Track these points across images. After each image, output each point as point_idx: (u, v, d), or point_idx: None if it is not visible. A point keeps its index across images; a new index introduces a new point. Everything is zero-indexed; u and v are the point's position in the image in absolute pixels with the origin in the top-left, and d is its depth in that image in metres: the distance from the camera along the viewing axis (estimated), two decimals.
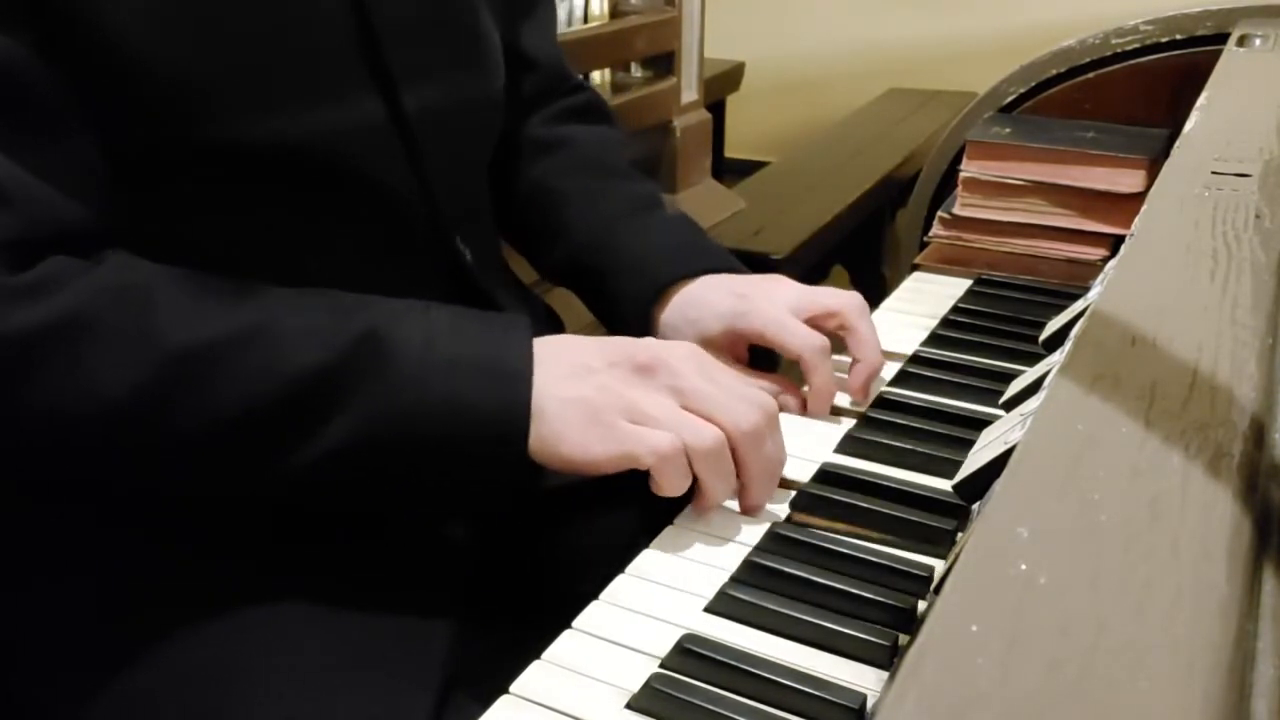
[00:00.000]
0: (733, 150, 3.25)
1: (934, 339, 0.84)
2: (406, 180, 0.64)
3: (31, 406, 0.52)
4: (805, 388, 0.73)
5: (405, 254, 0.66)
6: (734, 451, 0.57)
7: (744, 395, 0.59)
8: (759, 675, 0.47)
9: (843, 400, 0.73)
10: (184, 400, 0.52)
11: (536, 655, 0.49)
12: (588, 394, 0.56)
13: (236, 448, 0.54)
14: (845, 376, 0.74)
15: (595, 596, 0.53)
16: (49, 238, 0.53)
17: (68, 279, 0.52)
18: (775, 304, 0.72)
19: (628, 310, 0.76)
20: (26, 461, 0.55)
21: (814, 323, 0.72)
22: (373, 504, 0.58)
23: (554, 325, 0.84)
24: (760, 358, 0.75)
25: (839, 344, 0.74)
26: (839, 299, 0.73)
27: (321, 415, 0.54)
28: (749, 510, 0.60)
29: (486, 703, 0.47)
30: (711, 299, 0.73)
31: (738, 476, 0.58)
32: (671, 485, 0.56)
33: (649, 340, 0.61)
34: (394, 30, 0.62)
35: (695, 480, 0.57)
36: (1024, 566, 0.35)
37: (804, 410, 0.72)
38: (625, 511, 0.71)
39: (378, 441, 0.54)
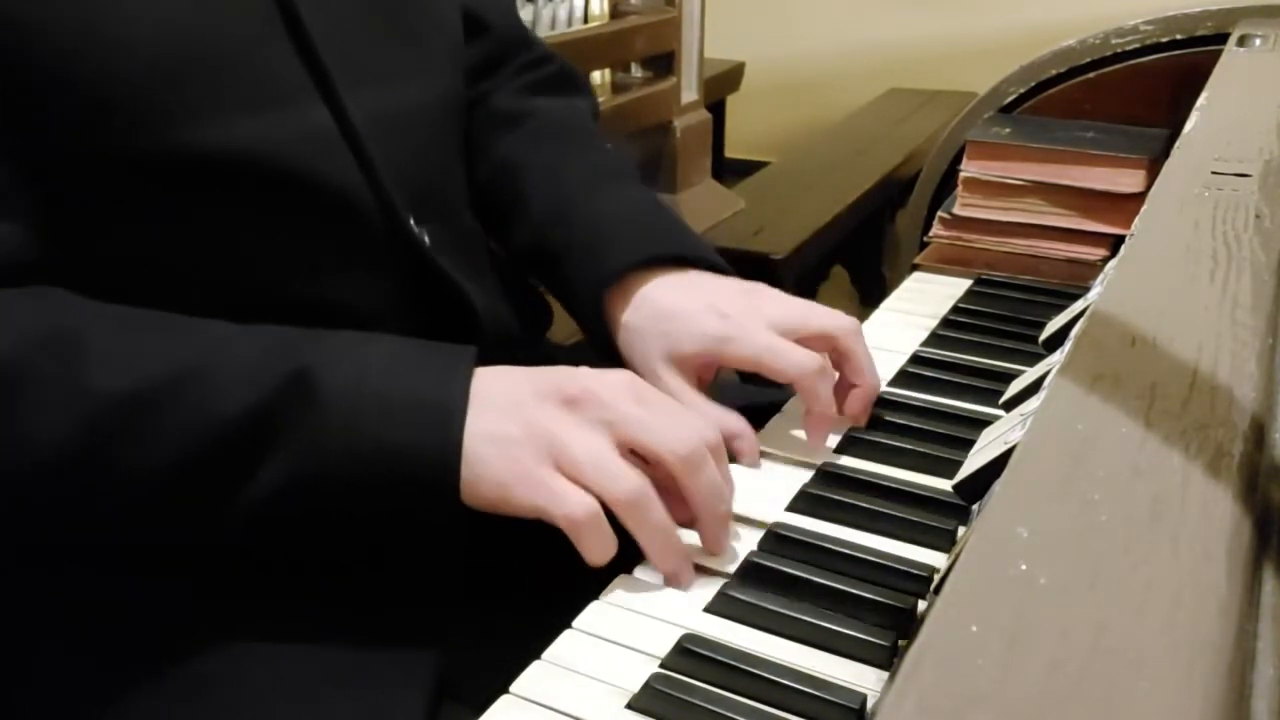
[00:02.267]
0: (733, 150, 3.25)
1: (934, 339, 0.84)
2: (356, 181, 0.63)
3: None
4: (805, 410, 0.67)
5: (358, 244, 0.64)
6: (675, 480, 0.55)
7: (682, 420, 0.55)
8: (759, 675, 0.47)
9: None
10: (117, 450, 0.51)
11: (536, 655, 0.49)
12: (511, 430, 0.53)
13: (172, 496, 0.53)
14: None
15: (595, 596, 0.54)
16: None
17: None
18: (762, 326, 0.66)
19: (581, 301, 0.72)
20: None
21: (804, 344, 0.66)
22: (313, 546, 0.57)
23: (544, 315, 0.83)
24: (749, 377, 0.70)
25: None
26: (833, 321, 0.68)
27: (253, 459, 0.52)
28: (709, 550, 0.56)
29: (484, 705, 0.47)
30: (690, 313, 0.67)
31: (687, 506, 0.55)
32: (593, 552, 0.52)
33: (582, 370, 0.57)
34: (329, 37, 0.61)
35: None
36: (1024, 566, 0.35)
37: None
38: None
39: (310, 484, 0.53)
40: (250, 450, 0.52)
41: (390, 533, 0.55)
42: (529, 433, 0.53)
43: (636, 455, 0.55)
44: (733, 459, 0.64)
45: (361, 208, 0.63)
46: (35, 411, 0.51)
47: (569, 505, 0.52)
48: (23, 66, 0.52)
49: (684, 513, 0.55)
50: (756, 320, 0.67)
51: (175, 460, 0.52)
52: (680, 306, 0.68)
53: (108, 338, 0.53)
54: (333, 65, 0.61)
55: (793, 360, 0.65)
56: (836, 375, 0.69)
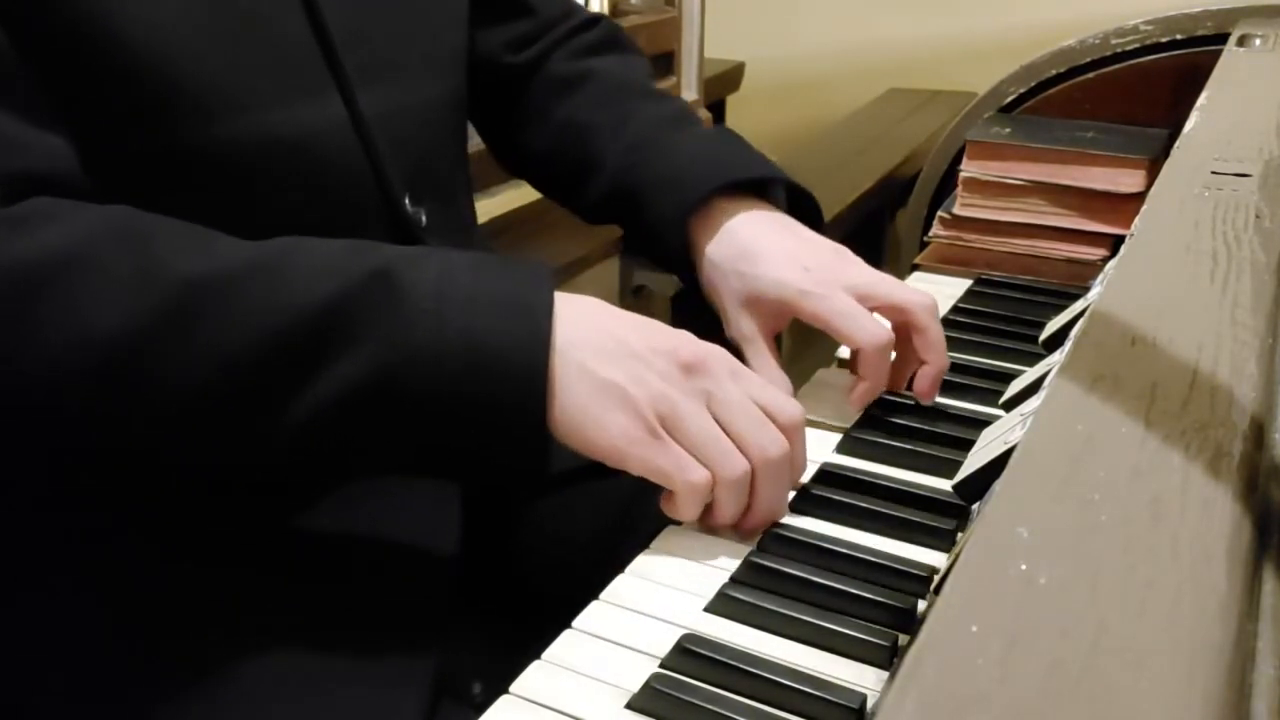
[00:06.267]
0: None
1: None
2: (363, 172, 0.63)
3: (22, 348, 0.49)
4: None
5: (352, 219, 0.63)
6: (752, 475, 0.56)
7: (774, 407, 0.56)
8: (759, 675, 0.47)
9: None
10: (183, 337, 0.50)
11: (536, 655, 0.49)
12: (625, 382, 0.53)
13: (237, 390, 0.51)
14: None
15: (595, 596, 0.54)
16: (31, 176, 0.52)
17: (61, 213, 0.51)
18: (841, 287, 0.67)
19: (664, 233, 0.71)
20: (14, 418, 0.52)
21: (877, 313, 0.68)
22: (374, 465, 0.55)
23: None
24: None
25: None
26: (912, 295, 0.69)
27: (330, 352, 0.50)
28: (749, 529, 0.57)
29: (484, 704, 0.47)
30: (773, 261, 0.68)
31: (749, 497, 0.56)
32: (688, 513, 0.55)
33: (687, 335, 0.57)
34: (346, 34, 0.62)
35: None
36: (1024, 566, 0.35)
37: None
38: (609, 511, 0.70)
39: (388, 383, 0.51)
40: (325, 343, 0.50)
41: (467, 444, 0.53)
42: (644, 391, 0.53)
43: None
44: None
45: (359, 185, 0.63)
46: (100, 296, 0.49)
47: (693, 474, 0.53)
48: (53, 50, 0.52)
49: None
50: (837, 280, 0.67)
51: (241, 351, 0.50)
52: (763, 247, 0.69)
53: (182, 236, 0.52)
54: (348, 61, 0.62)
55: (865, 328, 0.66)
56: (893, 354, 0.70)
